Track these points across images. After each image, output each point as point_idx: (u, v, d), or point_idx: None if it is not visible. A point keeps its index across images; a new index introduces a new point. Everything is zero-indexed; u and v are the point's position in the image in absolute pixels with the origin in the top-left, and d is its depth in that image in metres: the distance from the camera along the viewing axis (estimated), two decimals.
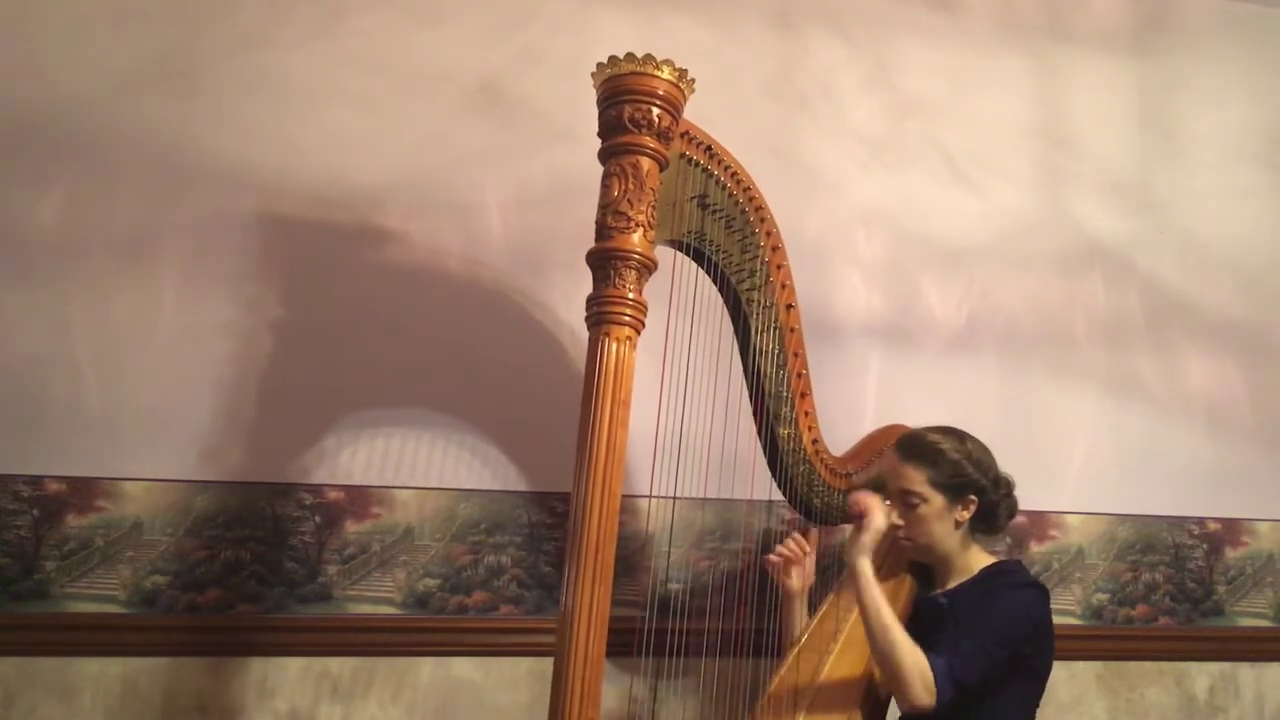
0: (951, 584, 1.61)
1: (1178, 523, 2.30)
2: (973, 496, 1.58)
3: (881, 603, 1.45)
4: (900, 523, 1.59)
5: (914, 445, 1.62)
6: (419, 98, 2.10)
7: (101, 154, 1.94)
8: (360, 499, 1.93)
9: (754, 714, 1.51)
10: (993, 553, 1.66)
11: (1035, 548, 2.21)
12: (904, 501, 1.59)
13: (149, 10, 2.02)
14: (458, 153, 2.09)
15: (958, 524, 1.59)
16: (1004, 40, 2.45)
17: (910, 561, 1.68)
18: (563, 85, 2.12)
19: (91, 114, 1.95)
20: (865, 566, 1.48)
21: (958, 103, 2.39)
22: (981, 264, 2.31)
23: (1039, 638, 1.51)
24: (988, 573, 1.59)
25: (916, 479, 1.58)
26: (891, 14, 2.40)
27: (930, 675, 1.38)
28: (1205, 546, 2.30)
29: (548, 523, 1.98)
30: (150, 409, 1.87)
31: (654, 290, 1.34)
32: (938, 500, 1.57)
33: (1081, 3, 2.53)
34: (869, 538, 1.50)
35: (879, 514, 1.52)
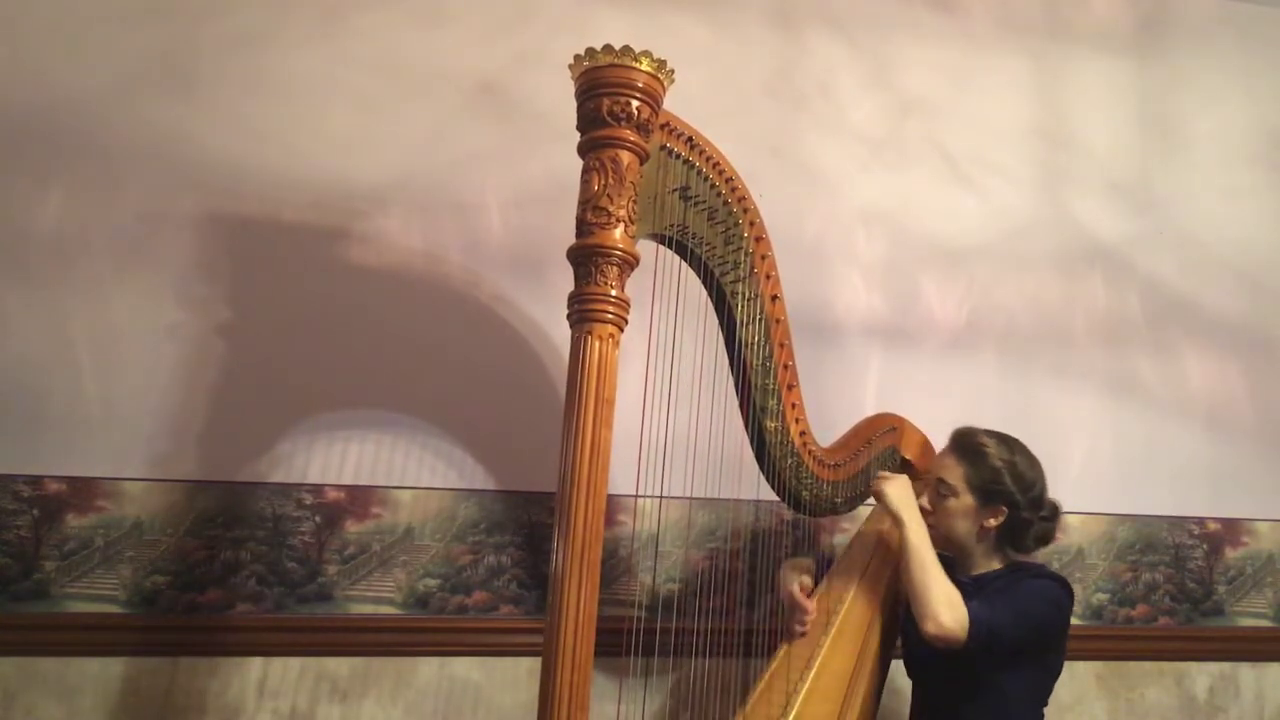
0: (973, 573, 1.62)
1: (1178, 523, 2.30)
2: (1003, 507, 1.58)
3: (927, 553, 1.51)
4: (929, 508, 1.61)
5: (963, 440, 1.63)
6: (419, 98, 2.10)
7: (101, 154, 1.94)
8: (360, 499, 1.93)
9: (745, 712, 1.51)
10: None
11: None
12: (936, 490, 1.61)
13: (149, 10, 2.02)
14: (458, 153, 2.09)
15: (983, 530, 1.60)
16: (1004, 40, 2.45)
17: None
18: (563, 85, 2.10)
19: (91, 114, 1.95)
20: (911, 511, 1.57)
21: (958, 103, 2.39)
22: (981, 264, 2.31)
23: (1059, 619, 1.52)
24: (1014, 566, 1.61)
25: (953, 472, 1.60)
26: (891, 14, 2.40)
27: (963, 607, 1.42)
28: (1205, 546, 2.30)
29: (548, 523, 1.98)
30: (150, 409, 1.87)
31: (637, 285, 1.33)
32: (967, 499, 1.58)
33: (1081, 3, 2.53)
34: (899, 482, 1.62)
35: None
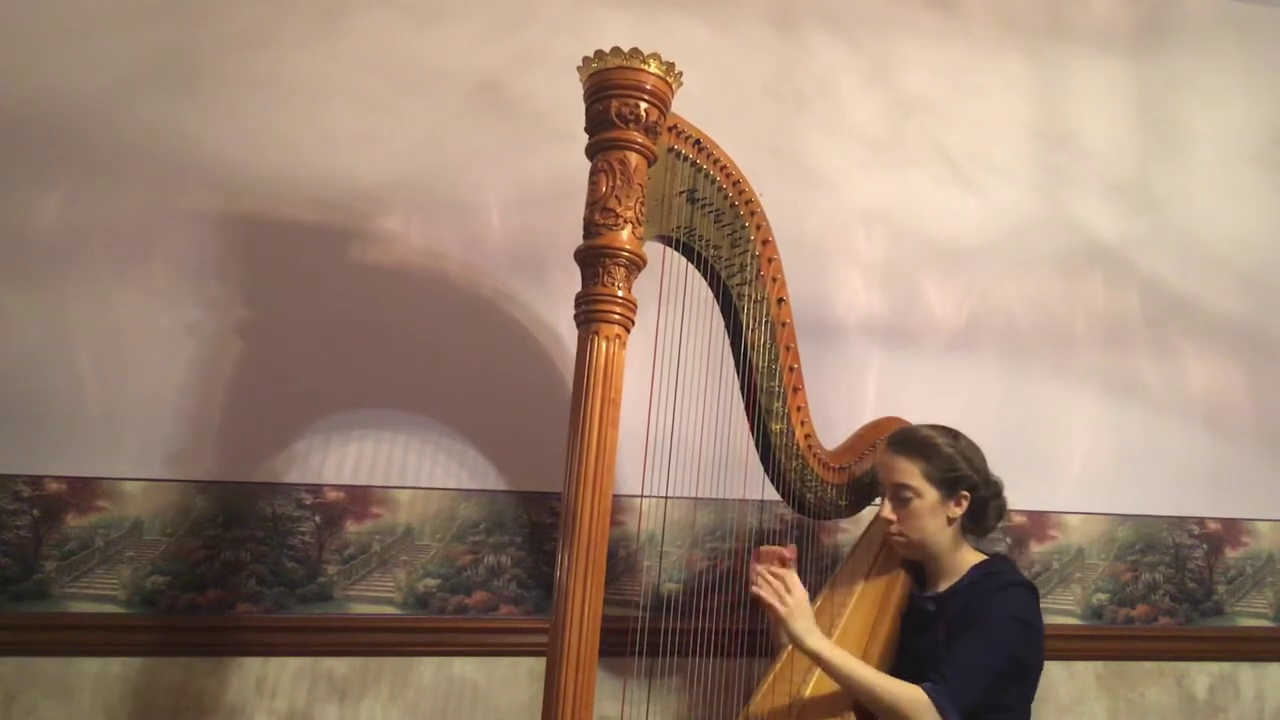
0: (941, 585, 1.61)
1: (1178, 523, 2.30)
2: (965, 492, 1.58)
3: (854, 667, 1.42)
4: (893, 518, 1.59)
5: (908, 440, 1.62)
6: (419, 98, 2.10)
7: (101, 154, 1.94)
8: (360, 499, 1.93)
9: (748, 712, 1.51)
10: (984, 551, 1.66)
11: (1035, 548, 2.20)
12: (897, 496, 1.59)
13: (149, 10, 2.02)
14: (457, 153, 2.09)
15: (950, 520, 1.59)
16: (1004, 40, 2.45)
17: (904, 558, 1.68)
18: (563, 85, 2.10)
19: (91, 114, 1.95)
20: (817, 642, 1.43)
21: (958, 103, 2.39)
22: (981, 264, 2.31)
23: (1030, 636, 1.51)
24: (976, 574, 1.58)
25: (911, 472, 1.57)
26: (891, 14, 2.40)
27: (933, 710, 1.37)
28: (1205, 546, 2.30)
29: (548, 523, 1.98)
30: (151, 409, 1.87)
31: (644, 286, 1.33)
32: (931, 494, 1.57)
33: (1081, 3, 2.53)
34: (800, 610, 1.44)
35: (795, 584, 1.46)
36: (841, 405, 2.09)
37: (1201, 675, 2.22)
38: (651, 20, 2.23)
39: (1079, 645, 2.14)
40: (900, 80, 2.37)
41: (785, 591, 1.44)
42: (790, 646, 1.51)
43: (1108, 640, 2.19)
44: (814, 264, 2.19)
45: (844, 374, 2.17)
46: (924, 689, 1.39)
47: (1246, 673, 2.24)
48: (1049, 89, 2.46)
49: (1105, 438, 2.29)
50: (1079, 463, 2.27)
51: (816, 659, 1.43)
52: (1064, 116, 2.46)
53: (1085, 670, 2.16)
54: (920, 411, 1.92)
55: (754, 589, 1.45)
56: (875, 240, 2.27)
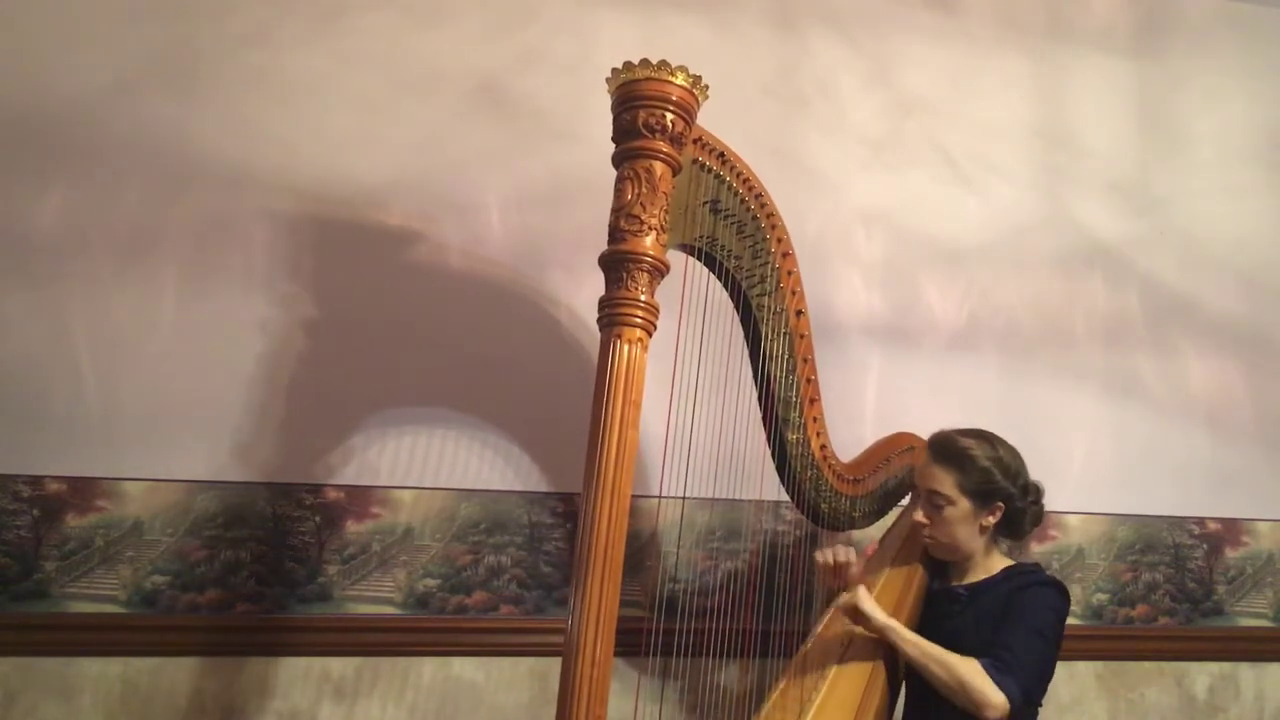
0: (970, 578, 1.63)
1: (1178, 523, 2.30)
2: (999, 503, 1.59)
3: (925, 645, 1.47)
4: (926, 521, 1.61)
5: (946, 448, 1.62)
6: (419, 98, 2.10)
7: (101, 154, 1.94)
8: (360, 499, 1.93)
9: (761, 714, 1.51)
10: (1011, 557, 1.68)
11: (1035, 548, 2.21)
12: (930, 502, 1.61)
13: (149, 10, 2.02)
14: (457, 153, 2.09)
15: (982, 529, 1.60)
16: (1004, 40, 2.45)
17: (924, 550, 1.69)
18: (563, 85, 2.12)
19: (91, 114, 1.95)
20: (887, 618, 1.49)
21: (958, 103, 2.39)
22: (981, 264, 2.31)
23: (1062, 631, 1.53)
24: (1010, 572, 1.61)
25: (945, 481, 1.59)
26: (891, 14, 2.40)
27: (985, 676, 1.41)
28: (1205, 546, 2.30)
29: (548, 523, 1.98)
30: (150, 409, 1.87)
31: (665, 294, 1.34)
32: (964, 504, 1.58)
33: (1081, 3, 2.53)
34: (866, 592, 1.52)
35: (852, 559, 1.56)
36: (842, 406, 2.09)
37: (1201, 675, 2.22)
38: (652, 20, 2.23)
39: (1079, 645, 2.14)
40: (900, 80, 2.38)
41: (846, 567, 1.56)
42: (805, 648, 1.56)
43: (1108, 640, 2.19)
44: (814, 264, 2.18)
45: (844, 374, 2.16)
46: (980, 661, 1.43)
47: (1246, 673, 2.24)
48: (1049, 89, 2.46)
49: (1105, 438, 2.30)
50: (1079, 463, 2.28)
51: (887, 631, 1.50)
52: (1064, 116, 2.46)
53: (1085, 670, 2.16)
54: (920, 411, 1.93)
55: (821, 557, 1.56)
56: (875, 240, 2.27)
